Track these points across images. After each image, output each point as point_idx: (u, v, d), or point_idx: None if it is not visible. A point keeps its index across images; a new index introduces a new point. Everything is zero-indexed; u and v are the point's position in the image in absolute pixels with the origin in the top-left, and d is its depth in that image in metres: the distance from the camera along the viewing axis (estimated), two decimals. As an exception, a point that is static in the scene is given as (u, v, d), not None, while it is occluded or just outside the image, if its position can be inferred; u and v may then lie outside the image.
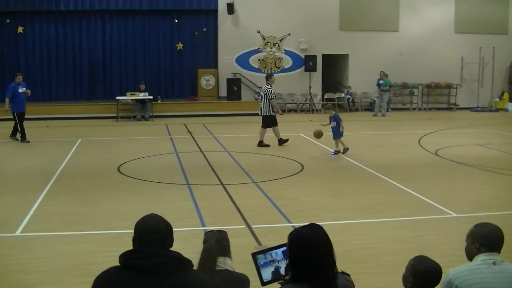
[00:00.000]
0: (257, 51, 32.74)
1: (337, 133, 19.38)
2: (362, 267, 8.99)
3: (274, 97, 21.33)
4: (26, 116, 23.36)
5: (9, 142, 22.57)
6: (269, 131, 21.11)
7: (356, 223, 11.79)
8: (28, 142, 22.28)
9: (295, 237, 3.95)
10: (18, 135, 22.67)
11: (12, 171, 17.61)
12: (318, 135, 19.49)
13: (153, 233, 3.86)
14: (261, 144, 21.09)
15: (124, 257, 3.85)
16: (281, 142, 21.31)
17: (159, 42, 33.00)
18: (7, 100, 22.27)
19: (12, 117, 22.43)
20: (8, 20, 31.92)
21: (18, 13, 31.73)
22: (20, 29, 32.14)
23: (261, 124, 21.29)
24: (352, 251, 9.67)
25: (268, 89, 21.11)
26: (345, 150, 19.31)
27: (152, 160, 18.95)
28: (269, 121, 21.30)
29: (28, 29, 32.29)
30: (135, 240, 3.96)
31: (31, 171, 17.42)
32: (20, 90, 22.53)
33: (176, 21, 32.78)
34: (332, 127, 19.54)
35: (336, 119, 19.49)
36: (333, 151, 19.48)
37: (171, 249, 3.92)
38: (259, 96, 30.71)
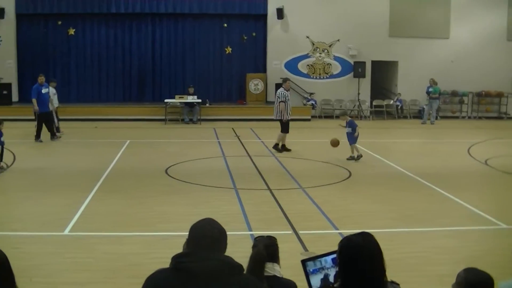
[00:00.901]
0: (306, 56, 32.66)
1: (352, 139, 19.52)
2: (408, 276, 8.89)
3: (286, 101, 21.30)
4: (75, 117, 23.80)
5: (57, 143, 22.87)
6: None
7: (403, 232, 11.71)
8: (41, 142, 22.77)
9: (345, 245, 3.94)
10: (61, 133, 23.13)
11: (62, 171, 17.82)
12: (334, 144, 19.60)
13: (206, 237, 3.88)
14: (283, 148, 21.18)
15: (176, 259, 3.86)
16: (282, 148, 21.20)
17: (208, 46, 33.13)
18: (34, 100, 22.70)
19: (48, 116, 22.88)
20: (59, 22, 32.41)
21: (70, 15, 32.21)
22: (71, 31, 32.59)
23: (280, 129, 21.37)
24: (398, 259, 9.57)
25: (281, 93, 21.38)
26: (359, 157, 19.41)
27: (200, 163, 19.04)
28: (286, 126, 21.31)
29: (79, 31, 32.73)
30: (188, 243, 3.97)
31: (80, 171, 17.62)
32: (43, 91, 23.00)
33: (225, 25, 32.91)
34: (347, 133, 19.75)
35: (351, 125, 19.69)
36: (348, 156, 19.52)
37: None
38: (307, 101, 30.79)
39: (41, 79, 23.28)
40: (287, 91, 21.57)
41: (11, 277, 4.04)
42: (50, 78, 26.14)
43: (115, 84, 33.06)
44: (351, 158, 19.43)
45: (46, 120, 22.83)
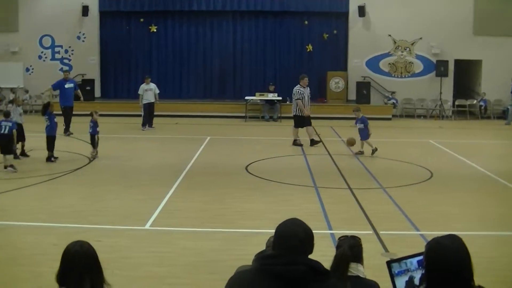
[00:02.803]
0: (388, 55, 32.28)
1: (364, 135, 19.80)
2: (488, 282, 8.62)
3: (302, 98, 21.73)
4: (156, 113, 24.27)
5: (141, 139, 23.27)
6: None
7: (484, 235, 11.44)
8: (70, 134, 23.32)
9: (433, 247, 3.83)
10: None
11: (144, 166, 18.14)
12: (350, 143, 19.72)
13: (293, 239, 3.81)
14: (294, 143, 21.65)
15: (261, 260, 3.84)
16: (313, 142, 21.62)
17: (289, 44, 33.14)
18: (55, 92, 23.31)
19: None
20: (142, 20, 32.99)
21: (152, 12, 32.79)
22: (153, 28, 33.13)
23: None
24: (478, 264, 9.34)
25: (296, 90, 21.85)
26: (361, 152, 19.76)
27: (280, 161, 19.04)
28: (299, 121, 21.76)
29: (161, 28, 33.25)
30: (274, 243, 3.91)
31: (161, 167, 17.86)
32: (66, 86, 23.52)
33: (306, 22, 32.82)
34: (359, 129, 19.92)
35: (363, 121, 19.86)
36: (358, 151, 19.88)
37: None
38: (388, 100, 30.48)
39: (66, 74, 24.07)
40: (304, 88, 21.96)
41: (100, 269, 4.11)
42: (145, 75, 26.78)
43: (196, 81, 33.40)
44: (360, 152, 19.81)
45: (66, 114, 23.44)
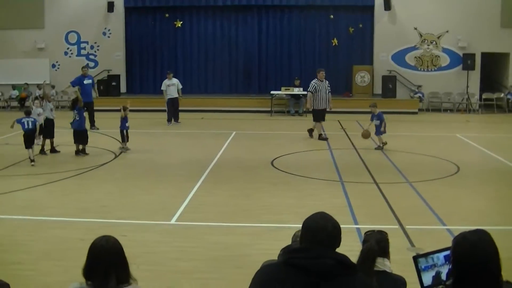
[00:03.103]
0: (414, 48, 32.03)
1: (379, 131, 19.92)
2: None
3: (315, 92, 22.10)
4: (182, 108, 24.50)
5: (166, 134, 23.37)
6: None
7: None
8: (96, 129, 23.53)
9: (460, 242, 3.79)
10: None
11: (170, 161, 18.19)
12: (365, 136, 20.00)
13: (319, 233, 3.80)
14: (320, 137, 21.75)
15: (288, 254, 3.84)
16: (311, 133, 22.15)
17: (315, 38, 33.04)
18: (74, 88, 23.43)
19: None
20: (167, 15, 33.14)
21: (177, 8, 32.93)
22: (178, 24, 33.22)
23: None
24: (507, 259, 9.27)
25: (311, 83, 22.33)
26: (383, 144, 19.86)
27: (306, 155, 19.03)
28: (317, 115, 22.10)
29: (186, 23, 33.34)
30: (301, 237, 3.91)
31: (187, 161, 17.93)
32: (85, 82, 23.65)
33: (331, 16, 32.70)
34: (375, 125, 20.06)
35: (379, 118, 19.91)
36: (376, 146, 20.00)
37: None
38: (414, 94, 30.28)
39: (84, 71, 24.27)
40: (321, 81, 22.16)
41: (126, 264, 4.13)
42: (167, 70, 26.90)
43: (222, 76, 33.43)
44: (379, 147, 19.78)
45: (88, 110, 23.43)
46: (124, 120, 19.31)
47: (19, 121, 17.83)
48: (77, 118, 18.83)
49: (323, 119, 22.28)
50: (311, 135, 21.99)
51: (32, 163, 17.25)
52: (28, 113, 18.28)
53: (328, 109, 22.45)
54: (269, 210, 12.52)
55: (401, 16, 31.69)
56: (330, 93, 22.51)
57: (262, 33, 33.25)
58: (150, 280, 8.18)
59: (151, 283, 8.14)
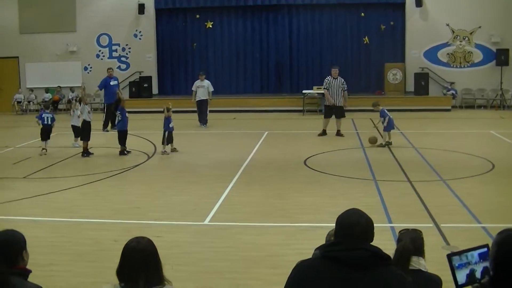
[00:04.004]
0: (446, 44, 31.77)
1: (385, 127, 20.11)
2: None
3: (328, 88, 22.71)
4: (213, 108, 24.50)
5: (199, 135, 23.42)
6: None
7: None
8: (107, 131, 23.75)
9: (504, 240, 3.74)
10: (109, 127, 23.98)
11: (202, 162, 18.25)
12: (372, 141, 20.07)
13: (354, 227, 3.87)
14: (338, 133, 22.23)
15: (325, 248, 3.91)
16: (323, 133, 22.58)
17: (346, 36, 32.94)
18: (100, 91, 23.42)
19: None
20: (197, 16, 33.24)
21: (207, 8, 33.05)
22: (209, 24, 33.32)
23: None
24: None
25: (324, 80, 23.30)
26: (387, 143, 19.91)
27: (338, 154, 18.96)
28: (327, 111, 22.84)
29: (217, 24, 33.45)
30: (336, 233, 3.98)
31: (220, 162, 17.96)
32: (111, 83, 23.80)
33: (363, 14, 32.57)
34: (381, 122, 20.35)
35: (382, 114, 20.17)
36: (384, 142, 20.12)
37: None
38: (447, 91, 30.04)
39: (110, 72, 24.61)
40: (334, 78, 22.56)
41: (158, 265, 4.15)
42: (199, 71, 26.90)
43: (253, 76, 33.52)
44: (384, 145, 19.86)
45: (111, 111, 23.49)
46: (167, 120, 19.39)
47: (39, 116, 20.11)
48: (120, 119, 19.09)
49: (330, 116, 22.65)
50: (339, 134, 22.17)
51: (44, 151, 19.37)
52: (47, 107, 20.91)
53: (344, 107, 22.75)
54: (303, 209, 12.49)
55: (432, 12, 31.47)
56: (346, 91, 22.69)
57: (293, 32, 33.23)
58: (183, 280, 8.19)
59: (185, 284, 8.16)
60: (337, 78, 22.54)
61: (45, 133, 19.53)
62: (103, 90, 25.21)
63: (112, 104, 23.01)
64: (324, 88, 22.89)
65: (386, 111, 20.30)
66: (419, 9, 31.42)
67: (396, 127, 21.06)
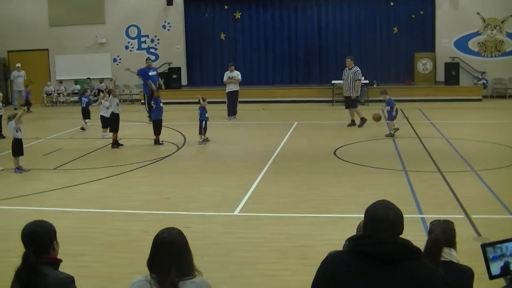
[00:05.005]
0: (477, 34, 31.39)
1: (391, 116, 20.01)
2: None
3: (343, 79, 23.33)
4: (243, 99, 24.67)
5: (228, 125, 23.45)
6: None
7: None
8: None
9: None
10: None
11: (232, 152, 18.30)
12: (377, 118, 20.57)
13: (383, 220, 3.81)
14: (361, 123, 22.40)
15: (353, 241, 3.85)
16: (354, 123, 22.62)
17: (375, 26, 32.74)
18: (149, 82, 23.51)
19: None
20: (226, 7, 33.24)
21: (236, -1, 32.96)
22: (237, 15, 33.29)
23: None
24: None
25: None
26: (395, 131, 19.89)
27: (368, 145, 18.87)
28: (347, 102, 23.06)
29: (245, 14, 33.42)
30: (365, 225, 3.93)
31: (250, 152, 17.97)
32: (150, 73, 23.77)
33: (392, 4, 32.32)
34: (387, 111, 20.28)
35: (389, 103, 20.01)
36: (388, 133, 20.09)
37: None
38: (478, 81, 29.73)
39: (149, 63, 24.58)
40: (349, 69, 22.75)
41: (188, 256, 4.13)
42: (229, 63, 26.78)
43: (282, 67, 33.46)
44: (390, 135, 19.82)
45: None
46: (204, 110, 19.49)
47: (80, 97, 24.21)
48: (154, 108, 19.25)
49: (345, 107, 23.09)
50: (362, 124, 22.28)
51: (84, 129, 22.47)
52: (84, 91, 23.97)
53: (353, 97, 22.75)
54: (333, 200, 12.45)
55: (463, 1, 31.11)
56: (358, 81, 22.77)
57: (321, 22, 33.11)
58: (213, 271, 8.18)
59: (215, 274, 8.14)
60: (351, 68, 22.66)
61: (85, 113, 23.08)
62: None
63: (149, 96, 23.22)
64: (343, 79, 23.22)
65: (393, 100, 20.27)
66: (449, -3, 31.13)
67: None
